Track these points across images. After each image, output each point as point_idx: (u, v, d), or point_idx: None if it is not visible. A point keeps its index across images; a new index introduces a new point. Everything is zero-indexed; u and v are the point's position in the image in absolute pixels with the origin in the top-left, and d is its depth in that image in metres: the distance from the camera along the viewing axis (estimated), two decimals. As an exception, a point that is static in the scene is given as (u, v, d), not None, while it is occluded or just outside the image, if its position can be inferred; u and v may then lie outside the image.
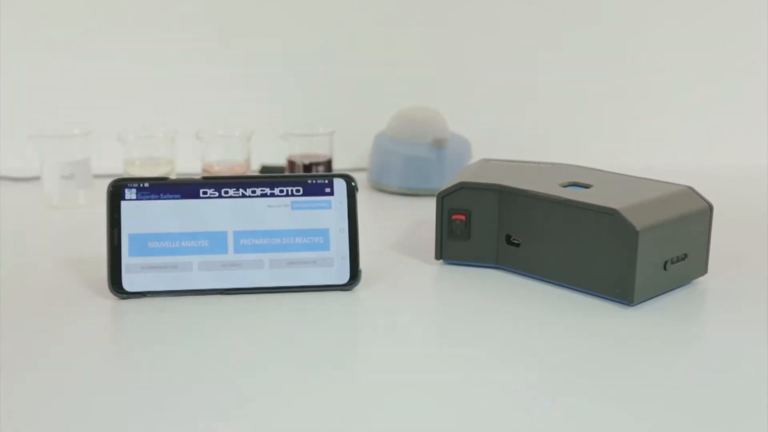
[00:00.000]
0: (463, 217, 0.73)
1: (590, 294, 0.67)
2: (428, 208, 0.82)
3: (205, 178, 0.68)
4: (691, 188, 0.72)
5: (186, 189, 0.67)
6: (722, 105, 1.21)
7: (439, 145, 1.01)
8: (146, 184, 0.67)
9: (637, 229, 0.63)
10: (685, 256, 0.68)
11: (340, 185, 0.69)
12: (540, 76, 1.20)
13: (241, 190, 0.68)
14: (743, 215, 0.92)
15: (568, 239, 0.68)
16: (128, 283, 0.65)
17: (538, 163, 0.79)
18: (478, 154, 1.01)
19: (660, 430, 0.49)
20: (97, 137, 1.01)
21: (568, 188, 0.71)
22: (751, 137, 1.21)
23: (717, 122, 1.22)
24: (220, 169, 1.02)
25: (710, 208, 0.70)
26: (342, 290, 0.68)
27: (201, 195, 0.67)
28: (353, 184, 0.69)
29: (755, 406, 0.51)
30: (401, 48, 1.17)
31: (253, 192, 0.68)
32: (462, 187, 0.73)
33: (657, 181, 0.73)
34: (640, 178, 0.74)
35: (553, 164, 0.78)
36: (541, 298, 0.68)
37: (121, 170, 1.01)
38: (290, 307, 0.65)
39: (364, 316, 0.66)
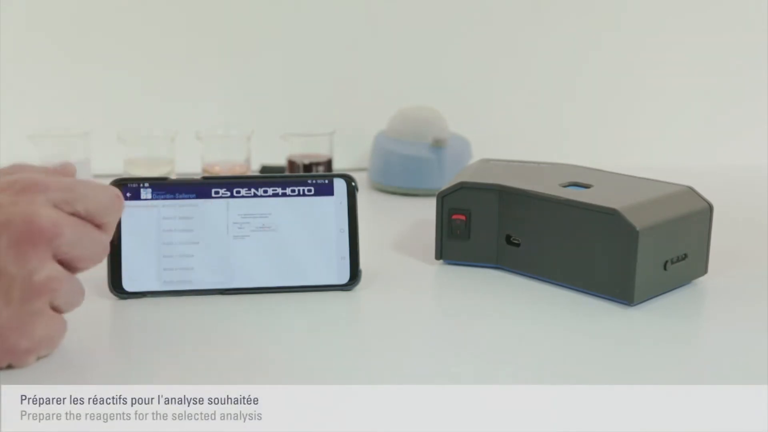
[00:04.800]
0: (463, 217, 0.73)
1: (590, 294, 0.67)
2: (428, 208, 0.82)
3: (205, 178, 0.68)
4: (691, 188, 0.72)
5: (185, 189, 0.67)
6: (722, 105, 1.21)
7: (439, 145, 1.01)
8: (146, 184, 0.67)
9: (637, 229, 0.63)
10: (685, 256, 0.68)
11: (340, 185, 0.69)
12: (540, 77, 1.20)
13: (242, 191, 0.68)
14: (743, 215, 0.92)
15: (568, 239, 0.68)
16: (128, 283, 0.65)
17: (538, 163, 0.79)
18: (478, 154, 1.01)
19: (660, 430, 0.49)
20: (97, 137, 1.01)
21: (568, 188, 0.71)
22: (752, 137, 1.21)
23: (717, 122, 1.22)
24: (220, 170, 1.02)
25: (710, 208, 0.70)
26: (342, 290, 0.68)
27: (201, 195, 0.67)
28: (353, 184, 0.69)
29: (755, 405, 0.51)
30: (401, 48, 1.17)
31: (254, 193, 0.68)
32: (462, 187, 0.73)
33: (657, 181, 0.73)
34: (640, 178, 0.74)
35: (553, 164, 0.78)
36: (541, 298, 0.68)
37: (121, 170, 1.01)
38: (290, 307, 0.65)
39: (364, 316, 0.66)
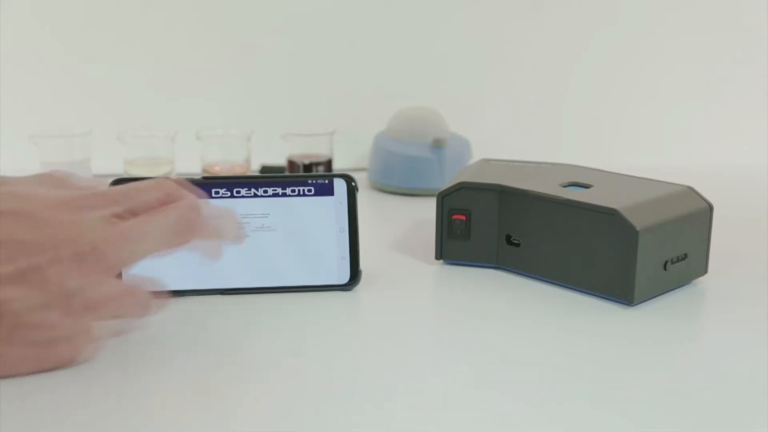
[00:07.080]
0: (463, 217, 0.73)
1: (590, 294, 0.67)
2: (428, 208, 0.82)
3: (205, 178, 0.68)
4: (691, 188, 0.72)
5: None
6: (723, 105, 1.21)
7: (439, 145, 1.01)
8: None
9: (637, 229, 0.63)
10: (685, 256, 0.68)
11: (340, 185, 0.69)
12: (540, 77, 1.20)
13: (242, 191, 0.68)
14: (743, 215, 0.92)
15: (568, 239, 0.68)
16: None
17: (538, 163, 0.79)
18: (478, 154, 1.01)
19: (660, 431, 0.49)
20: (97, 137, 1.02)
21: (568, 188, 0.71)
22: (751, 137, 1.21)
23: (717, 122, 1.22)
24: (220, 170, 1.02)
25: (710, 208, 0.70)
26: (342, 290, 0.68)
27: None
28: (353, 184, 0.69)
29: (755, 406, 0.51)
30: (401, 48, 1.17)
31: (254, 193, 0.68)
32: (462, 187, 0.73)
33: (657, 181, 0.73)
34: (640, 178, 0.74)
35: (553, 164, 0.78)
36: (541, 298, 0.68)
37: (121, 170, 1.01)
38: (290, 307, 0.65)
39: (364, 317, 0.66)
